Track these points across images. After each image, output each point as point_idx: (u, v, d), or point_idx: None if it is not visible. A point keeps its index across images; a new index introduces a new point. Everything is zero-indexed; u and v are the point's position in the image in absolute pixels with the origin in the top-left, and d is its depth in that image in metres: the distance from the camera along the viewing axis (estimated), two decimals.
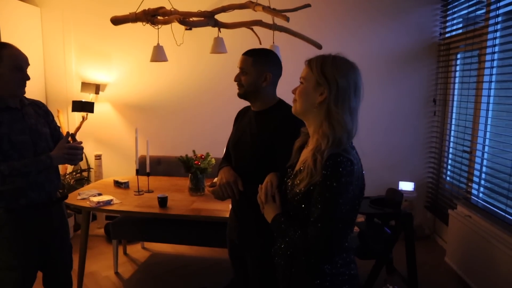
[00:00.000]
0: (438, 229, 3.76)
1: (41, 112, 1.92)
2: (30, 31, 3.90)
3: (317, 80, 1.20)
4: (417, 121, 3.79)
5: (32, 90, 4.00)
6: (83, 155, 1.85)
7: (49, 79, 4.09)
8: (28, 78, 1.77)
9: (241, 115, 1.86)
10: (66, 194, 2.08)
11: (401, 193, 2.69)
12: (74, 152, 1.80)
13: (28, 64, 1.77)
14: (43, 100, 4.09)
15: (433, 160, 3.79)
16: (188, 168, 2.82)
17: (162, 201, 2.56)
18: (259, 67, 1.63)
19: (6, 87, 1.72)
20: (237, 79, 1.69)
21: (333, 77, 1.18)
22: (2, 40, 3.45)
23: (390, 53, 3.72)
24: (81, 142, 1.87)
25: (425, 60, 3.70)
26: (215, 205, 2.56)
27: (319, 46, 2.90)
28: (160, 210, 2.53)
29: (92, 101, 3.90)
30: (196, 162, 2.81)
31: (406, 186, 3.71)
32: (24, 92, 1.80)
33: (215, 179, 1.72)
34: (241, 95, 1.71)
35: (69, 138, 1.85)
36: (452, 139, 3.55)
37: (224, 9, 2.60)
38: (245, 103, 1.85)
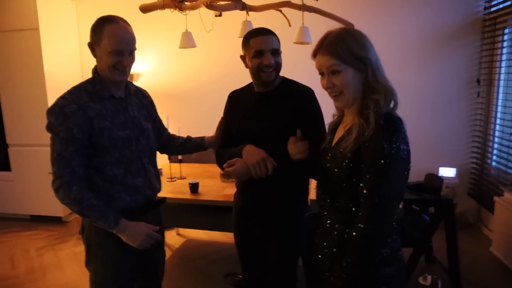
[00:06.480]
0: (483, 218, 3.55)
1: (145, 103, 1.68)
2: (67, 24, 4.03)
3: (353, 66, 1.14)
4: (458, 103, 3.56)
5: (70, 82, 4.18)
6: None
7: (85, 71, 4.22)
8: (127, 65, 1.48)
9: (235, 98, 1.76)
10: (163, 198, 1.77)
11: (440, 178, 2.55)
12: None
13: (130, 47, 1.47)
14: None
15: (477, 144, 3.56)
16: None
17: (194, 187, 2.57)
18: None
19: (103, 70, 1.48)
20: (272, 61, 1.53)
21: (364, 55, 1.13)
22: (41, 35, 3.60)
23: (428, 31, 3.50)
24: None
25: (468, 38, 3.45)
26: None
27: (351, 26, 2.78)
28: (192, 196, 2.54)
29: None
30: None
31: (447, 172, 3.52)
32: (124, 80, 1.53)
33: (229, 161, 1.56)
34: (273, 81, 1.59)
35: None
36: (498, 121, 3.31)
37: None
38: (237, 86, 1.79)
